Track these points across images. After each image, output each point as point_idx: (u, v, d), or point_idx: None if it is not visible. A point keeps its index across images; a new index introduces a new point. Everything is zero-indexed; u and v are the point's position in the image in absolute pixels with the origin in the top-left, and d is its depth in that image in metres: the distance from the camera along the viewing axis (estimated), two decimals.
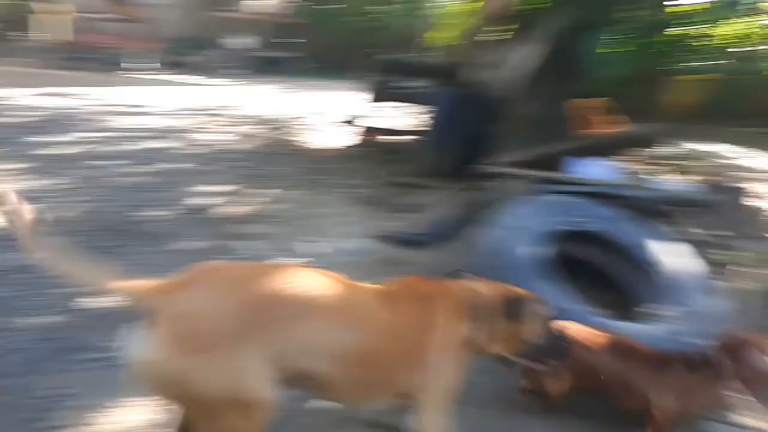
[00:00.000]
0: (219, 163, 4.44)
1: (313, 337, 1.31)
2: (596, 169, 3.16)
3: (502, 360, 1.67)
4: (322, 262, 2.73)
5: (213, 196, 3.64)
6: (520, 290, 1.64)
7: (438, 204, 3.65)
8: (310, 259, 2.83)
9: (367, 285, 1.52)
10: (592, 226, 2.59)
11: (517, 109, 3.76)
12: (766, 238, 3.79)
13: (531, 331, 1.61)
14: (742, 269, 3.02)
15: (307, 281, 1.37)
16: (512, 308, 1.58)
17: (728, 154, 6.61)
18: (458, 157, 3.93)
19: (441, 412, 1.49)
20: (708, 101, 8.37)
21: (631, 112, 5.41)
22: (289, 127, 6.28)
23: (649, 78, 7.09)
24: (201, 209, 3.38)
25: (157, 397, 1.36)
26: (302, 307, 1.31)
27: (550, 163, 3.16)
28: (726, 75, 8.24)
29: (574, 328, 1.86)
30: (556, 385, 1.87)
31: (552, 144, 3.30)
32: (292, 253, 2.92)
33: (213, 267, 1.34)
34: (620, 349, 1.86)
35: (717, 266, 3.09)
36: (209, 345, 1.19)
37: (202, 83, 9.36)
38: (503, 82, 3.94)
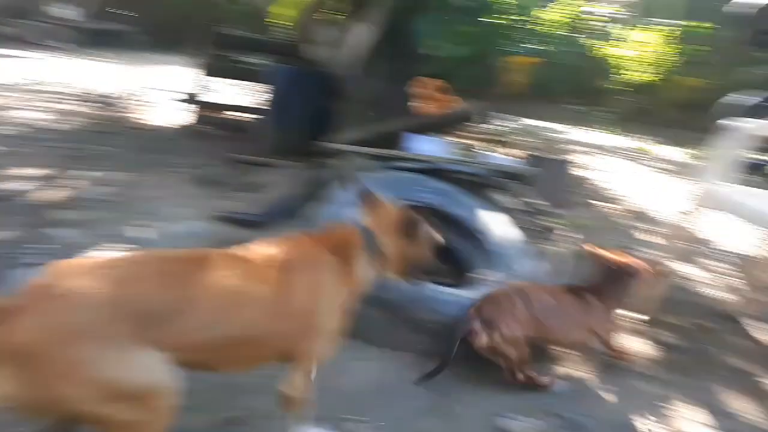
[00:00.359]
0: (35, 144, 3.97)
1: (195, 331, 1.24)
2: (430, 146, 3.28)
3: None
4: (152, 247, 2.57)
5: (26, 180, 3.25)
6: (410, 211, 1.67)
7: (278, 183, 3.59)
8: (138, 245, 2.64)
9: (249, 256, 1.43)
10: (426, 199, 2.68)
11: (356, 88, 3.79)
12: (584, 205, 4.23)
13: (422, 251, 1.65)
14: (560, 234, 3.34)
15: (173, 267, 1.30)
16: (409, 227, 1.61)
17: (555, 130, 7.25)
18: (298, 134, 3.89)
19: (310, 374, 1.50)
20: (537, 82, 9.12)
21: (467, 91, 5.72)
22: (119, 105, 5.80)
23: (482, 59, 7.56)
24: (10, 195, 3.01)
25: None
26: (177, 302, 1.23)
27: (388, 140, 3.24)
28: (550, 58, 9.02)
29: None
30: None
31: (389, 122, 3.38)
32: (118, 239, 2.70)
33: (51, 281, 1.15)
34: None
35: (540, 232, 3.40)
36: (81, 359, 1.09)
37: (22, 56, 8.30)
38: (341, 60, 3.95)
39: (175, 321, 1.20)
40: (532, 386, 2.01)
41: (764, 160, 5.91)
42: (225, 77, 5.23)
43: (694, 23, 8.60)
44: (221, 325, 1.28)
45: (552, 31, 9.20)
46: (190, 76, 5.15)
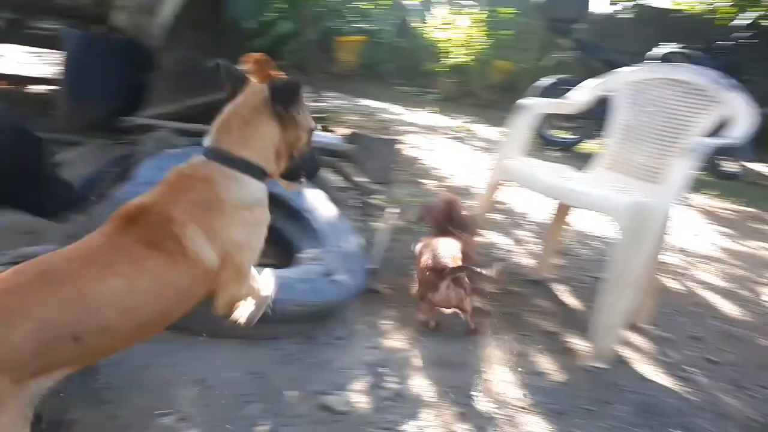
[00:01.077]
0: None
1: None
2: None
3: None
4: None
5: None
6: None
7: (77, 163, 3.22)
8: None
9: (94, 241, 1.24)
10: None
11: (166, 59, 3.51)
12: (409, 182, 4.37)
13: (301, 138, 1.46)
14: (382, 210, 3.41)
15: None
16: (285, 94, 1.37)
17: (385, 110, 7.41)
18: (100, 109, 3.50)
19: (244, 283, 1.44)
20: (365, 61, 9.26)
21: (296, 68, 5.60)
22: None
23: (305, 36, 7.46)
24: None
25: None
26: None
27: (205, 115, 3.04)
28: (374, 37, 9.21)
29: None
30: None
31: (203, 95, 3.17)
32: None
33: None
34: None
35: (362, 209, 3.44)
36: None
37: None
38: (150, 29, 3.63)
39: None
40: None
41: (559, 137, 6.65)
42: (19, 44, 4.55)
43: (499, 9, 9.29)
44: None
45: (373, 9, 9.37)
46: None
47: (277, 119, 1.40)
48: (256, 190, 1.40)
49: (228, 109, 1.42)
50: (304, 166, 1.53)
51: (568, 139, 6.60)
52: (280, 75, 4.97)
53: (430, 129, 6.66)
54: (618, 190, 2.59)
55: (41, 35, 4.52)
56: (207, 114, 3.10)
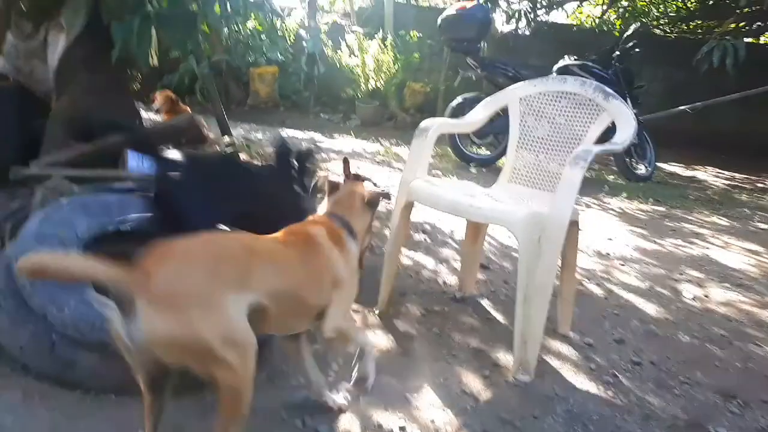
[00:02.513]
0: None
1: (263, 281, 1.55)
2: (149, 163, 3.01)
3: None
4: None
5: None
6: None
7: None
8: None
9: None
10: (139, 221, 2.42)
11: (57, 104, 3.32)
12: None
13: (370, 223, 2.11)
14: None
15: (245, 240, 1.67)
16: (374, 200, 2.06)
17: (307, 138, 7.33)
18: None
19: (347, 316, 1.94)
20: (281, 91, 9.21)
21: (210, 102, 5.48)
22: None
23: (215, 69, 7.36)
24: None
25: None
26: (252, 259, 1.56)
27: (95, 160, 2.89)
28: (287, 67, 9.19)
29: None
30: None
31: (96, 140, 3.02)
32: None
33: (171, 244, 1.43)
34: None
35: None
36: (195, 303, 1.35)
37: None
38: (36, 74, 3.43)
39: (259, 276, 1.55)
40: None
41: (478, 153, 6.81)
42: None
43: (402, 32, 9.51)
44: (278, 277, 1.63)
45: (285, 39, 9.37)
46: None
47: (370, 210, 2.07)
48: (354, 247, 1.93)
49: (339, 196, 2.04)
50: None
51: (488, 155, 6.76)
52: (187, 109, 4.84)
53: (356, 155, 6.65)
54: (516, 201, 2.65)
55: None
56: (101, 158, 2.99)
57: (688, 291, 3.53)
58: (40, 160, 3.04)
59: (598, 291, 3.40)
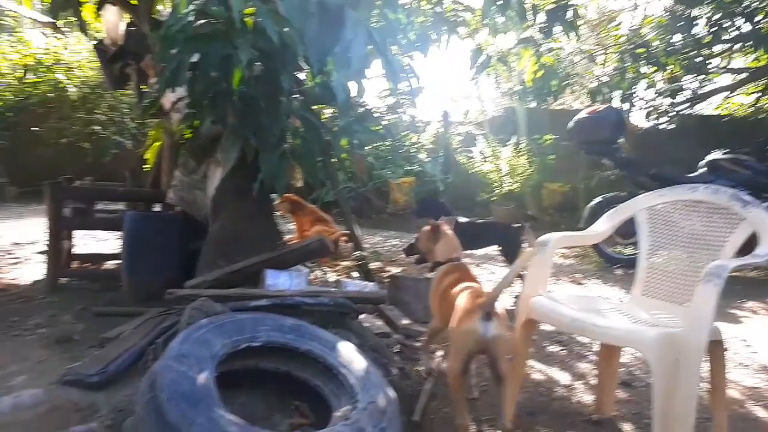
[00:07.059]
0: None
1: None
2: (285, 279, 3.25)
3: None
4: None
5: None
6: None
7: (128, 334, 3.37)
8: None
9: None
10: (274, 337, 2.59)
11: (212, 228, 3.76)
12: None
13: None
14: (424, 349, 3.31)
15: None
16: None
17: None
18: (154, 281, 3.73)
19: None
20: (418, 199, 9.56)
21: (355, 212, 5.86)
22: None
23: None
24: None
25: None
26: None
27: (240, 279, 3.18)
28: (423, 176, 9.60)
29: None
30: None
31: (244, 260, 3.34)
32: None
33: None
34: None
35: (404, 352, 3.36)
36: None
37: None
38: (199, 203, 3.95)
39: None
40: None
41: (621, 254, 6.41)
42: (84, 229, 5.04)
43: (536, 136, 9.54)
44: None
45: (419, 153, 9.86)
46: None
47: None
48: None
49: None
50: None
51: (634, 255, 6.34)
52: (313, 208, 5.28)
53: (488, 258, 6.60)
54: (648, 319, 2.43)
55: (105, 219, 5.00)
56: (246, 277, 3.30)
57: None
58: (194, 279, 3.42)
59: (764, 415, 2.93)
